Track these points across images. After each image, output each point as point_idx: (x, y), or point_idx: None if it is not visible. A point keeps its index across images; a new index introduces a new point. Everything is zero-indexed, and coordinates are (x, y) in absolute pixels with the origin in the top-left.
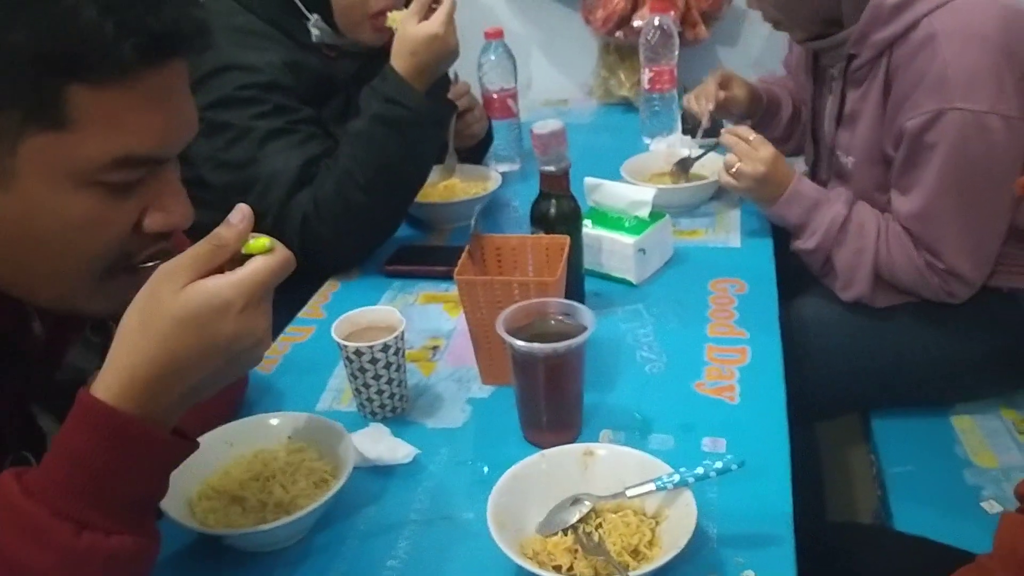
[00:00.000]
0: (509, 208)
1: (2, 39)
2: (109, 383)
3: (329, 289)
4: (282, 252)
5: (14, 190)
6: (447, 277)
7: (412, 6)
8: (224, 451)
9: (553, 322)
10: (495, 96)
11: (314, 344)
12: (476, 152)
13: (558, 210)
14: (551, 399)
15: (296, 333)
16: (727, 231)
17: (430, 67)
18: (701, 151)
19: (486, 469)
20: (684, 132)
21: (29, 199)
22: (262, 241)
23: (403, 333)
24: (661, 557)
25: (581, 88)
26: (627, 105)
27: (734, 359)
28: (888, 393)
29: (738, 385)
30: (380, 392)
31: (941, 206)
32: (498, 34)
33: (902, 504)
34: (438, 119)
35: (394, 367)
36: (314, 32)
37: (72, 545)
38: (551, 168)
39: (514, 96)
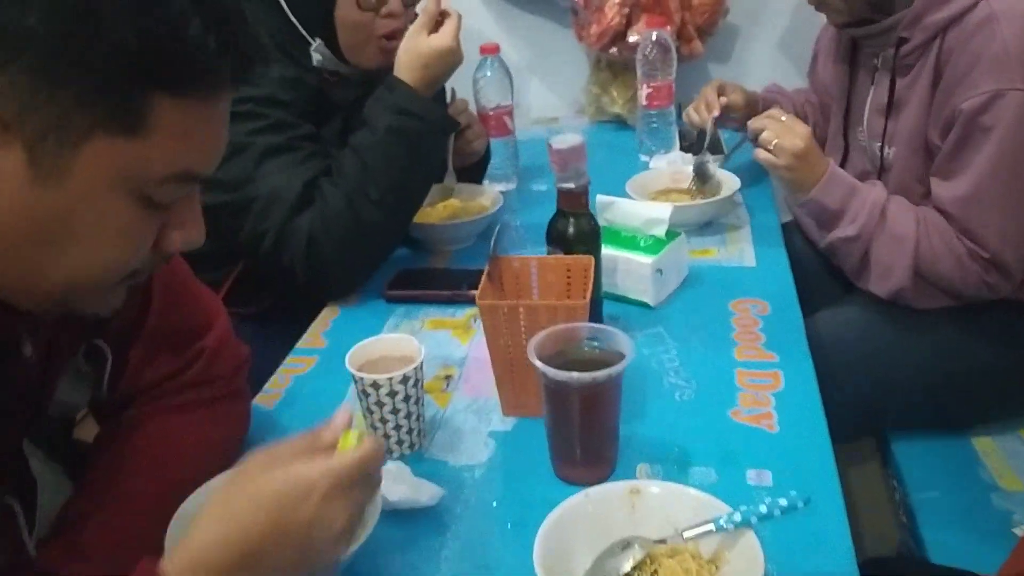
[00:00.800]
0: (512, 229)
1: (107, 37)
2: (176, 563)
3: (329, 316)
4: (371, 442)
5: (61, 188)
6: (454, 301)
7: (420, 19)
8: None
9: (586, 348)
10: (491, 113)
11: (318, 375)
12: (474, 171)
13: (577, 229)
14: (586, 432)
15: (297, 364)
16: (740, 249)
17: (440, 80)
18: (720, 156)
19: (514, 517)
20: (682, 150)
21: (73, 200)
22: (352, 435)
23: (422, 363)
24: None
25: (571, 106)
26: (620, 123)
27: (767, 384)
28: (908, 412)
29: (775, 412)
30: (398, 427)
31: (991, 190)
32: (494, 50)
33: (933, 533)
34: (447, 130)
35: (413, 400)
36: (315, 57)
37: None
38: (571, 185)
39: (510, 113)
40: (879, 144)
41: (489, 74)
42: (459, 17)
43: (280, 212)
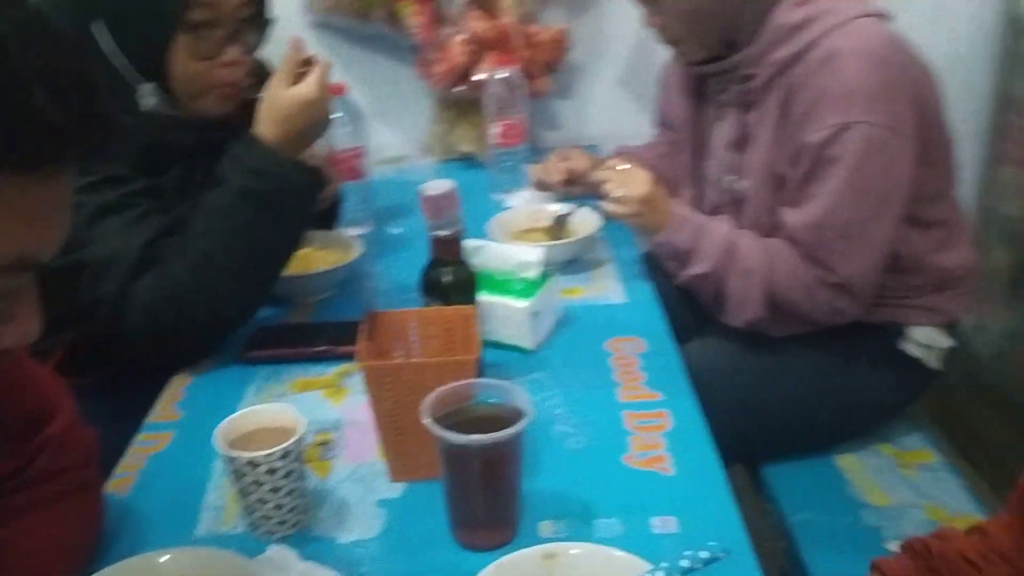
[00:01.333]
0: (371, 275)
1: None
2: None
3: (181, 384)
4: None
5: None
6: (322, 358)
7: (280, 68)
8: None
9: (482, 405)
10: (342, 156)
11: (177, 453)
12: (327, 217)
13: (455, 278)
14: (489, 494)
15: (150, 442)
16: (607, 286)
17: (303, 135)
18: (573, 206)
19: None
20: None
21: None
22: None
23: (302, 436)
24: None
25: (417, 146)
26: (470, 161)
27: (657, 425)
28: (777, 437)
29: (668, 454)
30: (279, 507)
31: (838, 217)
32: (340, 90)
33: (813, 554)
34: (313, 189)
35: (295, 475)
36: (146, 102)
37: None
38: (446, 233)
39: (361, 155)
40: (732, 178)
41: (339, 114)
42: (327, 65)
43: (117, 277)
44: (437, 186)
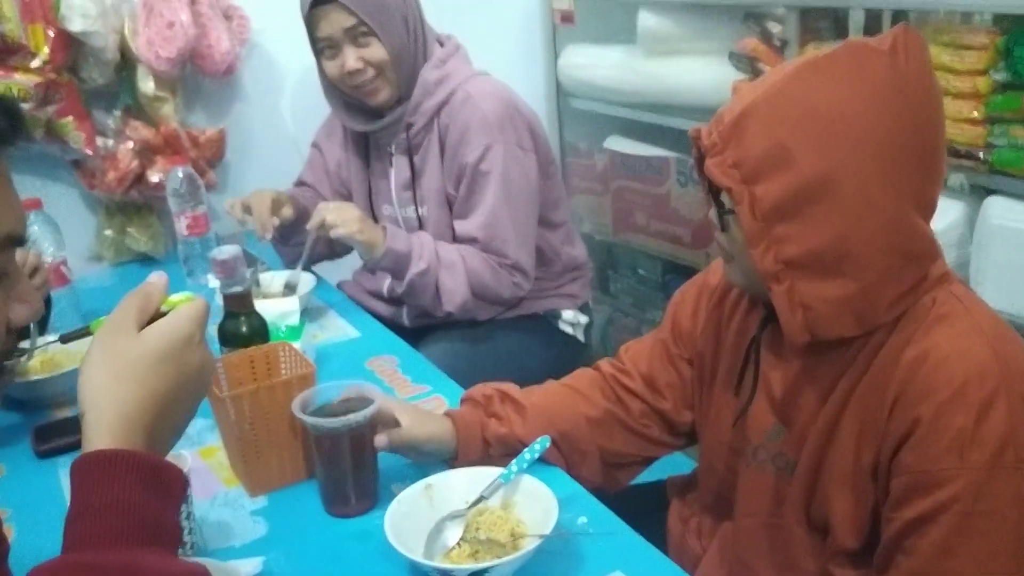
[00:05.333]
0: None
1: None
2: (105, 437)
3: None
4: (201, 299)
5: None
6: None
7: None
8: None
9: (334, 403)
10: (50, 265)
11: (29, 540)
12: (39, 325)
13: (250, 326)
14: (357, 468)
15: None
16: (339, 325)
17: None
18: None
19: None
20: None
21: None
22: (181, 296)
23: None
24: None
25: (81, 256)
26: (145, 258)
27: (437, 406)
28: None
29: None
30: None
31: (501, 215)
32: (35, 204)
33: None
34: None
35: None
36: None
37: None
38: (238, 289)
39: (65, 263)
40: (412, 207)
41: (36, 227)
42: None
43: None
44: (226, 251)
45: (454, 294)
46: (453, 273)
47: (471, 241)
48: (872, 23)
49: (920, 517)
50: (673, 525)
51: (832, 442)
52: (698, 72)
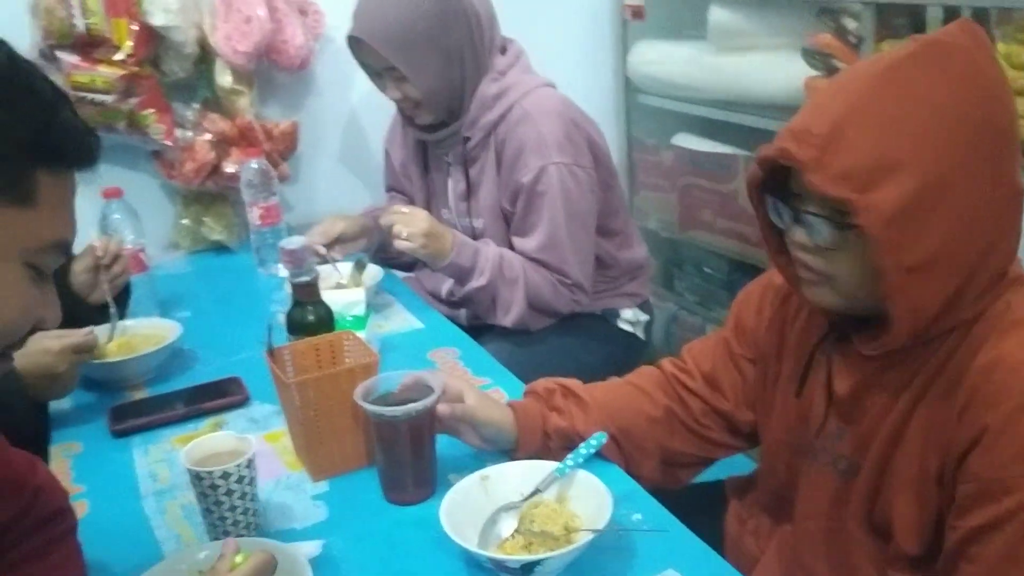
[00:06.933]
0: (187, 352)
1: None
2: None
3: (62, 463)
4: (259, 554)
5: None
6: (187, 418)
7: None
8: None
9: (395, 392)
10: (129, 252)
11: (103, 514)
12: (119, 308)
13: (316, 315)
14: (415, 456)
15: None
16: (404, 318)
17: None
18: (362, 257)
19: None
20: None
21: None
22: (240, 557)
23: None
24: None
25: (160, 244)
26: (220, 248)
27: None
28: None
29: None
30: (246, 511)
31: (560, 236)
32: (117, 193)
33: None
34: None
35: (255, 481)
36: None
37: None
38: (305, 278)
39: (144, 250)
40: (467, 219)
41: (118, 216)
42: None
43: None
44: (294, 241)
45: (511, 308)
46: (513, 289)
47: (531, 261)
48: (950, 20)
49: (985, 525)
50: (731, 525)
51: (898, 446)
52: (769, 68)
